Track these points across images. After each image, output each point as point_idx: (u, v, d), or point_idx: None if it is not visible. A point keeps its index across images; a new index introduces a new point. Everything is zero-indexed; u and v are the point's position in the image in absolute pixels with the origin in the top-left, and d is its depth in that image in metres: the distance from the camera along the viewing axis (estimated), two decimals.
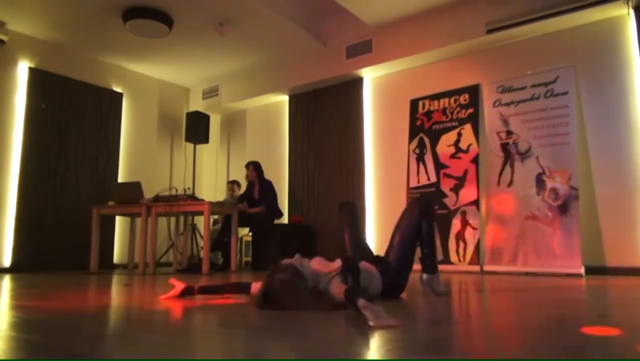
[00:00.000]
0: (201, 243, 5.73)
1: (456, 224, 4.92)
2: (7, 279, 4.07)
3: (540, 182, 4.51)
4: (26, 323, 1.64)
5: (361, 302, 1.50)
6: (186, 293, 2.25)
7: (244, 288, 2.24)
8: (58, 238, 5.58)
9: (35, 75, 5.62)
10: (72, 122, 5.94)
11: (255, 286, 2.13)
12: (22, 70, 5.57)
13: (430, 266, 2.29)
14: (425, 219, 2.23)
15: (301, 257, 1.98)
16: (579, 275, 4.01)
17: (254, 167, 5.93)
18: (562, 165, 4.40)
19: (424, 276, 2.30)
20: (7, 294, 2.76)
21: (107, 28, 5.46)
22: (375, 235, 5.61)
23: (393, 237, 2.29)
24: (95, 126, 6.17)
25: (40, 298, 2.50)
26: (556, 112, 4.55)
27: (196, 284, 2.32)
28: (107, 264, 5.89)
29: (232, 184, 6.24)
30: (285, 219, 6.20)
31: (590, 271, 4.14)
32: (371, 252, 2.48)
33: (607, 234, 4.28)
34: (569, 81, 4.54)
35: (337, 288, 1.83)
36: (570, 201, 4.29)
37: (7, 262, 5.27)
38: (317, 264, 1.99)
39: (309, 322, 1.59)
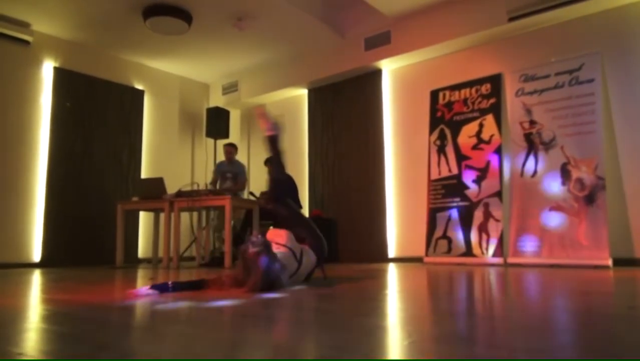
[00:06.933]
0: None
1: (478, 216, 4.86)
2: (37, 273, 4.20)
3: (565, 172, 4.41)
4: (56, 316, 1.69)
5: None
6: (162, 289, 2.30)
7: (198, 285, 2.40)
8: (84, 233, 5.72)
9: (60, 74, 5.75)
10: (95, 120, 6.07)
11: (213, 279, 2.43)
12: (47, 70, 5.70)
13: None
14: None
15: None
16: (607, 267, 3.92)
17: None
18: (588, 154, 4.29)
19: None
20: (38, 288, 2.85)
21: (128, 26, 5.54)
22: (396, 227, 5.59)
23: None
24: (118, 123, 6.29)
25: (69, 292, 2.57)
26: (581, 100, 4.43)
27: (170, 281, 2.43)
28: (132, 259, 6.02)
29: (230, 147, 6.11)
30: (305, 213, 6.21)
31: (619, 262, 4.05)
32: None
33: (636, 225, 4.16)
34: (595, 68, 4.41)
35: None
36: (597, 191, 4.18)
37: (37, 257, 5.43)
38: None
39: (330, 316, 1.59)
